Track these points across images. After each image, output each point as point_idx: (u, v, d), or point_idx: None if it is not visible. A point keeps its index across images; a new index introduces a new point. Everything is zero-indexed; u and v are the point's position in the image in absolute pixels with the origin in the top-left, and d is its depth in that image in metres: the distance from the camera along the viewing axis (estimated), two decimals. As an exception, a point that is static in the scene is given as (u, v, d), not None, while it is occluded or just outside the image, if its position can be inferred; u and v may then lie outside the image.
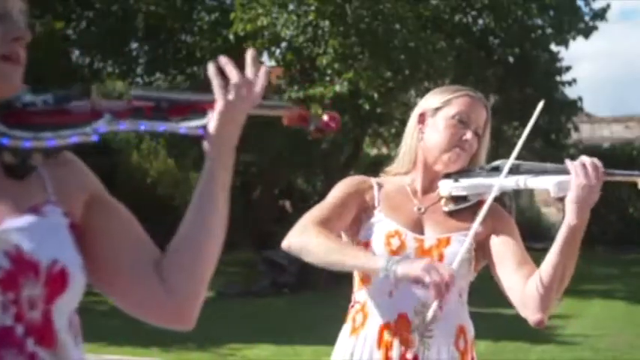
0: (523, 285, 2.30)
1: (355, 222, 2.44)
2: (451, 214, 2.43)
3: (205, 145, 1.41)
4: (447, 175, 2.46)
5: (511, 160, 2.38)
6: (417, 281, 2.13)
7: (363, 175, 2.54)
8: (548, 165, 2.40)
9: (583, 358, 8.47)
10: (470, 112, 2.45)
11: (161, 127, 1.35)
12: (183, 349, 8.10)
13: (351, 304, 2.44)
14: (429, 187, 2.48)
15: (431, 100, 2.53)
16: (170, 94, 1.40)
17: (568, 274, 2.25)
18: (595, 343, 9.12)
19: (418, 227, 2.41)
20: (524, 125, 16.23)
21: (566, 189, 2.24)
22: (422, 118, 2.51)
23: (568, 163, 2.25)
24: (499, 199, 2.45)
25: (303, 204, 19.78)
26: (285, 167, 15.28)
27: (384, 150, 18.41)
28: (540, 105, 2.47)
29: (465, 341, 2.39)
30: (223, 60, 1.42)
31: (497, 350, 8.40)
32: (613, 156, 18.60)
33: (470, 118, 2.45)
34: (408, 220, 2.41)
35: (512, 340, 8.92)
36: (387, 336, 2.32)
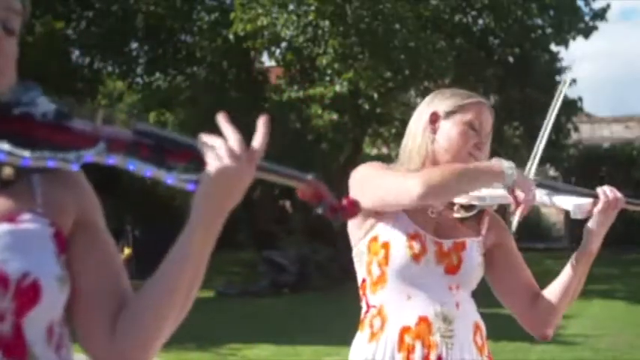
0: (531, 303, 2.44)
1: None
2: (460, 220, 2.44)
3: (193, 203, 1.28)
4: None
5: (533, 170, 2.46)
6: (517, 195, 2.23)
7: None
8: (561, 184, 2.51)
9: (583, 358, 8.47)
10: (482, 120, 2.46)
11: (148, 172, 1.25)
12: (183, 349, 8.11)
13: (364, 309, 2.41)
14: None
15: (444, 102, 2.51)
16: (175, 136, 1.29)
17: (577, 294, 2.42)
18: (595, 343, 9.13)
19: (434, 230, 2.40)
20: (524, 125, 16.16)
21: (583, 212, 2.37)
22: (434, 118, 2.49)
23: (600, 191, 2.38)
24: (498, 210, 2.49)
25: (303, 204, 19.75)
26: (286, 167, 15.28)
27: (384, 150, 18.41)
28: (567, 83, 2.53)
29: (481, 337, 2.41)
30: (222, 118, 1.28)
31: (497, 350, 8.38)
32: (613, 156, 18.62)
33: (482, 125, 2.46)
34: (426, 223, 2.40)
35: (512, 340, 8.92)
36: (407, 339, 2.32)
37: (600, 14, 15.71)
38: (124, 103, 18.37)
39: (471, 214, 2.44)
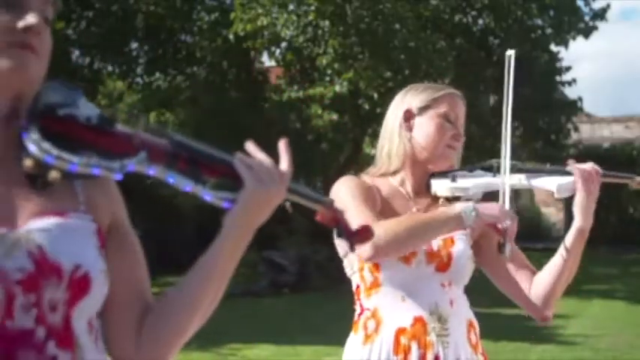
0: (527, 284, 2.39)
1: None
2: None
3: (226, 219, 1.34)
4: (437, 175, 2.45)
5: (508, 158, 2.39)
6: (493, 225, 2.25)
7: (355, 176, 2.47)
8: (539, 166, 2.48)
9: (583, 358, 8.47)
10: (457, 111, 2.47)
11: (187, 186, 1.30)
12: (184, 348, 8.06)
13: (358, 312, 2.40)
14: (419, 188, 2.46)
15: (416, 97, 2.49)
16: (210, 150, 1.35)
17: (573, 274, 2.37)
18: (595, 343, 9.12)
19: None
20: (524, 125, 16.18)
21: (567, 190, 2.35)
22: (408, 115, 2.47)
23: (573, 168, 2.35)
24: (489, 198, 2.45)
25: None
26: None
27: (384, 150, 18.41)
28: (512, 54, 2.52)
29: (475, 335, 2.41)
30: (252, 147, 1.38)
31: (497, 350, 8.39)
32: (613, 156, 18.62)
33: (457, 117, 2.47)
34: None
35: (512, 340, 8.93)
36: (403, 340, 2.31)
37: (600, 14, 15.70)
38: (124, 103, 18.37)
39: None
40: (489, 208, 2.24)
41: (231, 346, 8.62)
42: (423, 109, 2.46)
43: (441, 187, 2.44)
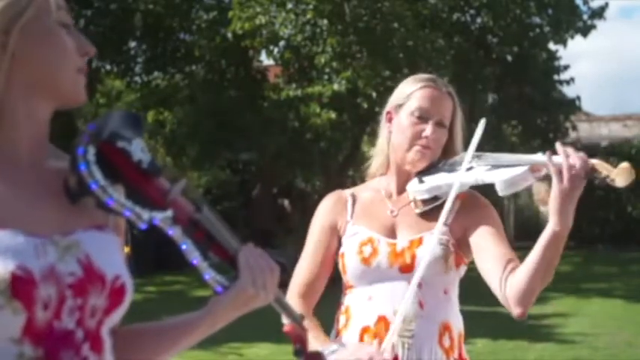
0: (503, 279, 2.21)
1: (339, 242, 2.46)
2: (423, 214, 2.38)
3: (211, 301, 1.42)
4: (418, 174, 2.40)
5: (469, 154, 2.28)
6: None
7: (336, 192, 2.51)
8: (511, 156, 2.27)
9: (581, 357, 8.48)
10: (430, 105, 2.38)
11: (195, 259, 1.35)
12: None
13: (340, 306, 2.45)
14: (403, 188, 2.43)
15: (396, 95, 2.47)
16: (227, 235, 1.41)
17: (551, 272, 2.15)
18: (593, 342, 9.13)
19: (391, 231, 2.38)
20: (522, 124, 16.23)
21: (515, 184, 2.16)
22: (389, 117, 2.47)
23: (547, 157, 2.08)
24: (479, 189, 2.37)
25: (302, 203, 19.77)
26: (284, 166, 15.28)
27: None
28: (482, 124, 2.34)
29: (450, 338, 2.34)
30: (259, 250, 1.44)
31: (496, 349, 8.40)
32: (611, 154, 18.60)
33: (430, 111, 2.37)
34: (382, 225, 2.39)
35: (510, 338, 8.93)
36: (367, 338, 2.32)
37: (599, 13, 15.70)
38: (122, 101, 18.36)
39: (431, 206, 2.36)
40: (345, 356, 2.22)
41: (230, 345, 8.62)
42: (399, 107, 2.44)
43: (410, 188, 2.40)
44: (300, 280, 2.46)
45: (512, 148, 14.94)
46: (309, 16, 13.35)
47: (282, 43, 14.13)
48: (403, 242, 2.35)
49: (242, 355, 8.51)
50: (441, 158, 2.42)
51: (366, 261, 2.33)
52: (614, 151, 19.17)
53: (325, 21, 13.32)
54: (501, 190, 2.18)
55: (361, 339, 2.32)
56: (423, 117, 2.38)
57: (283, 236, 15.03)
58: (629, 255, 17.75)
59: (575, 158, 2.01)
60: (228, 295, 1.40)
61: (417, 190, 2.37)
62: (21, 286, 1.21)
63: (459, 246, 2.35)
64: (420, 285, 2.28)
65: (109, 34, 14.36)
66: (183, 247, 1.35)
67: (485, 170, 2.25)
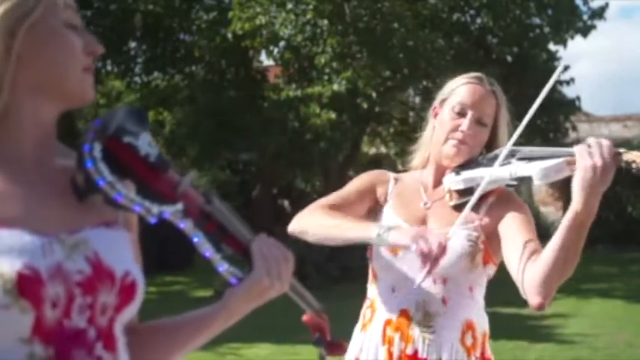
0: (522, 267, 2.17)
1: (370, 214, 2.45)
2: (457, 207, 2.37)
3: (226, 293, 1.42)
4: (455, 168, 2.41)
5: (507, 149, 2.27)
6: (405, 249, 2.18)
7: (382, 170, 2.54)
8: (546, 149, 2.26)
9: (581, 357, 8.47)
10: (470, 101, 2.39)
11: (207, 252, 1.34)
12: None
13: (365, 299, 2.45)
14: (440, 181, 2.44)
15: (442, 91, 2.48)
16: (239, 225, 1.39)
17: (570, 264, 2.08)
18: (593, 342, 9.12)
19: (422, 223, 2.38)
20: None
21: (550, 175, 2.13)
22: (435, 112, 2.48)
23: (576, 147, 2.08)
24: (514, 187, 2.36)
25: (302, 203, 19.75)
26: (284, 166, 15.29)
27: (383, 149, 18.41)
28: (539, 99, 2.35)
29: (473, 337, 2.35)
30: (272, 240, 1.43)
31: (496, 349, 8.36)
32: (611, 155, 18.60)
33: (469, 106, 2.38)
34: (413, 216, 2.40)
35: (511, 338, 8.92)
36: (389, 331, 2.33)
37: (599, 13, 15.69)
38: (122, 102, 18.37)
39: (465, 199, 2.34)
40: (399, 235, 2.18)
41: (230, 345, 8.61)
42: (443, 102, 2.45)
43: (445, 181, 2.42)
44: (327, 200, 2.40)
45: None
46: (309, 16, 13.35)
47: (282, 43, 14.15)
48: None
49: (241, 356, 8.51)
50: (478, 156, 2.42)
51: (392, 250, 2.33)
52: (614, 152, 19.16)
53: (325, 21, 13.33)
54: (537, 180, 2.14)
55: (384, 332, 2.33)
56: (462, 112, 2.39)
57: (283, 237, 15.02)
58: (629, 255, 17.74)
59: (605, 146, 2.05)
60: (242, 286, 1.38)
61: (452, 180, 2.38)
62: (28, 285, 1.20)
63: (489, 243, 2.33)
64: (444, 281, 2.29)
65: (109, 35, 14.35)
66: (195, 239, 1.34)
67: (518, 165, 2.23)
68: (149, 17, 15.02)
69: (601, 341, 9.19)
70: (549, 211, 22.67)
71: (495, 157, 2.30)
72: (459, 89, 2.42)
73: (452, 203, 2.40)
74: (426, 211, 2.42)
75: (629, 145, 20.30)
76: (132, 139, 1.31)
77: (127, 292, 1.32)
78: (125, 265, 1.32)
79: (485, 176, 2.26)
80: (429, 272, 2.12)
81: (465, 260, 2.31)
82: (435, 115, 2.47)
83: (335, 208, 2.35)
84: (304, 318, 1.56)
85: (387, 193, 2.44)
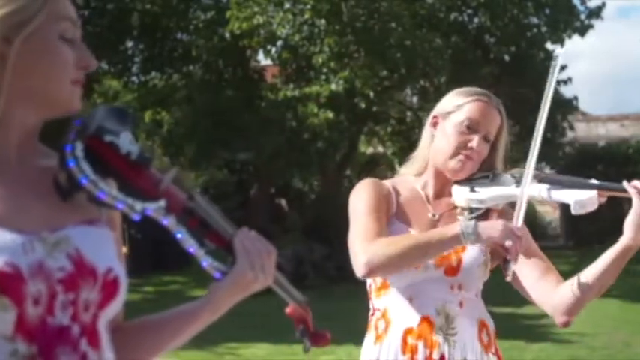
0: (553, 287, 2.33)
1: None
2: None
3: (211, 287, 1.42)
4: (461, 182, 2.44)
5: (531, 169, 2.33)
6: (497, 244, 2.19)
7: (376, 179, 2.50)
8: (565, 177, 2.41)
9: (578, 356, 8.48)
10: (480, 118, 2.41)
11: (191, 247, 1.36)
12: (179, 347, 8.10)
13: (371, 312, 2.43)
14: (441, 192, 2.46)
15: (446, 103, 2.49)
16: (222, 221, 1.41)
17: (604, 288, 2.31)
18: (590, 342, 9.14)
19: None
20: (519, 124, 16.11)
21: (585, 206, 2.29)
22: (435, 121, 2.48)
23: (626, 184, 2.29)
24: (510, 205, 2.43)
25: (299, 203, 19.77)
26: (282, 166, 15.29)
27: (380, 149, 18.41)
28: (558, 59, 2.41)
29: (487, 335, 2.43)
30: (253, 233, 1.44)
31: (493, 348, 8.39)
32: (608, 154, 18.65)
33: (479, 124, 2.41)
34: (425, 227, 2.40)
35: (508, 338, 8.92)
36: (410, 340, 2.33)
37: (596, 12, 15.71)
38: (119, 101, 18.36)
39: (474, 215, 2.40)
40: (490, 228, 2.19)
41: (228, 345, 8.62)
42: (447, 115, 2.45)
43: (459, 195, 2.43)
44: (368, 233, 2.30)
45: (509, 148, 14.93)
46: (306, 16, 13.35)
47: (279, 42, 14.15)
48: None
49: (239, 355, 8.51)
50: (477, 172, 2.46)
51: None
52: (612, 151, 19.19)
53: (323, 21, 13.33)
54: (575, 210, 2.30)
55: (404, 341, 2.33)
56: (472, 128, 2.40)
57: (280, 236, 15.03)
58: (626, 255, 17.73)
59: None
60: (227, 280, 1.40)
61: (471, 197, 2.40)
62: (9, 283, 1.21)
63: (491, 254, 2.41)
64: (460, 286, 2.34)
65: (107, 34, 14.35)
66: (179, 236, 1.35)
67: (547, 188, 2.34)
68: (146, 17, 15.01)
69: (598, 340, 9.20)
70: (546, 210, 22.68)
71: (510, 178, 2.40)
72: (469, 105, 2.43)
73: (461, 218, 2.41)
74: (435, 222, 2.43)
75: (627, 144, 20.33)
76: (113, 138, 1.32)
77: (109, 289, 1.32)
78: (107, 262, 1.33)
79: (524, 195, 2.32)
80: (515, 261, 2.21)
81: (481, 269, 2.38)
82: (435, 125, 2.48)
83: (379, 234, 2.30)
84: (288, 310, 1.58)
85: (393, 206, 2.42)
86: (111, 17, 14.72)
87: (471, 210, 2.41)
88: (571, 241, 17.06)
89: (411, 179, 2.52)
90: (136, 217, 1.33)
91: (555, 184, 2.35)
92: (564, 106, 16.43)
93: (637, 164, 18.61)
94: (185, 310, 1.45)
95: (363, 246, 2.27)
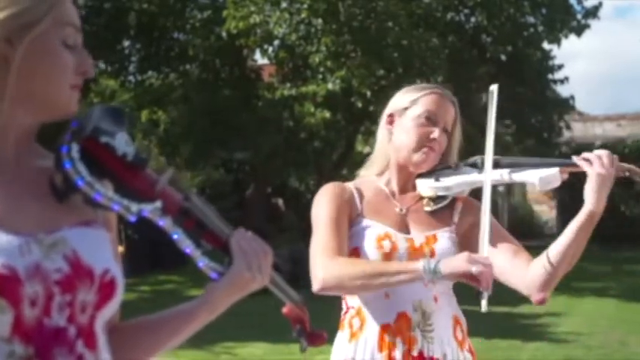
0: (525, 266, 2.34)
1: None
2: (432, 212, 2.45)
3: (208, 288, 1.43)
4: (423, 175, 2.48)
5: (490, 155, 2.38)
6: (465, 276, 2.17)
7: (338, 183, 2.51)
8: (525, 159, 2.48)
9: (575, 356, 8.49)
10: (437, 110, 2.46)
11: (187, 248, 1.36)
12: (176, 347, 8.09)
13: (344, 310, 2.43)
14: (405, 187, 2.49)
15: (399, 100, 2.53)
16: (218, 221, 1.41)
17: (575, 259, 2.33)
18: (587, 341, 9.15)
19: (404, 227, 2.42)
20: (516, 123, 16.16)
21: (550, 182, 2.33)
22: (390, 119, 2.52)
23: (575, 158, 2.31)
24: (474, 194, 2.48)
25: (296, 202, 19.76)
26: (278, 165, 15.28)
27: (377, 148, 18.38)
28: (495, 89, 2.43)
29: (461, 331, 2.41)
30: (249, 234, 1.44)
31: (490, 347, 8.41)
32: (605, 154, 18.62)
33: (437, 115, 2.45)
34: (394, 221, 2.42)
35: (504, 337, 8.94)
36: (387, 337, 2.32)
37: (593, 12, 15.73)
38: (116, 101, 18.35)
39: (440, 205, 2.45)
40: (453, 261, 2.19)
41: (224, 345, 8.61)
42: (403, 111, 2.49)
43: (423, 186, 2.47)
44: (328, 247, 2.32)
45: (505, 147, 14.97)
46: (303, 15, 13.35)
47: (276, 42, 14.14)
48: (420, 238, 2.39)
49: (236, 355, 8.51)
50: (438, 164, 2.49)
51: (387, 256, 2.33)
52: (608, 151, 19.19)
53: (320, 20, 13.33)
54: (540, 187, 2.38)
55: (382, 338, 2.33)
56: (431, 119, 2.45)
57: (276, 235, 15.02)
58: (622, 254, 17.79)
59: (602, 155, 2.28)
60: (224, 281, 1.40)
61: (436, 186, 2.44)
62: (5, 284, 1.21)
63: (460, 245, 2.42)
64: (434, 280, 2.31)
65: (103, 33, 14.33)
66: (175, 236, 1.35)
67: (509, 172, 2.39)
68: (143, 16, 14.99)
69: (594, 340, 9.22)
70: (543, 209, 22.72)
71: (475, 164, 2.44)
72: (424, 98, 2.47)
73: (428, 209, 2.46)
74: (403, 217, 2.45)
75: (623, 144, 20.36)
76: (109, 139, 1.32)
77: (106, 290, 1.33)
78: (104, 263, 1.33)
79: (487, 181, 2.36)
80: (488, 290, 2.18)
81: None
82: (391, 123, 2.51)
83: (339, 250, 2.32)
84: (284, 310, 1.58)
85: (357, 207, 2.43)
86: (108, 16, 14.70)
87: (438, 198, 2.45)
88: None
89: (373, 179, 2.53)
90: (132, 219, 1.33)
91: (516, 166, 2.40)
92: (561, 106, 16.46)
93: (634, 164, 18.57)
94: (182, 310, 1.45)
95: (323, 261, 2.29)
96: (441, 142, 2.45)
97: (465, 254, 2.19)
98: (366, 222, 2.40)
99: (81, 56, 1.38)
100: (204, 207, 1.40)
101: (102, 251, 1.35)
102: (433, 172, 2.47)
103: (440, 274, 2.18)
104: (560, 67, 16.42)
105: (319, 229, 2.37)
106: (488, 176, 2.36)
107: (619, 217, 19.55)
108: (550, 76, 16.40)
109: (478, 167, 2.42)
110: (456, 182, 2.43)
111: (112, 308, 1.36)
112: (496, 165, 2.39)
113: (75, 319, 1.28)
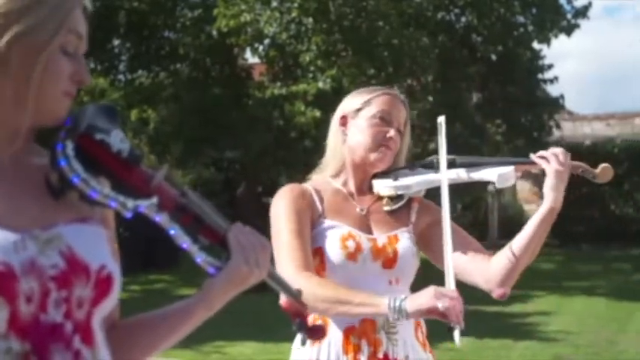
0: (486, 262, 2.37)
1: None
2: (391, 212, 2.48)
3: (205, 284, 1.42)
4: (380, 175, 2.49)
5: (443, 154, 2.40)
6: (432, 312, 2.12)
7: (297, 185, 2.50)
8: (482, 158, 2.54)
9: (564, 355, 8.52)
10: (391, 110, 2.48)
11: (184, 243, 1.35)
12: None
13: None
14: (362, 187, 2.50)
15: (351, 101, 2.57)
16: (215, 216, 1.41)
17: (535, 254, 2.36)
18: (576, 340, 9.18)
19: (365, 228, 2.43)
20: (507, 123, 16.23)
21: (508, 180, 2.39)
22: (343, 121, 2.55)
23: (532, 156, 2.37)
24: (431, 197, 2.52)
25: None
26: (269, 164, 15.26)
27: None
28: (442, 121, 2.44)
29: (422, 332, 2.42)
30: (248, 228, 1.45)
31: (481, 347, 8.43)
32: (594, 153, 18.70)
33: (391, 115, 2.48)
34: (355, 221, 2.43)
35: (495, 337, 8.97)
36: (353, 339, 2.32)
37: (582, 12, 15.76)
38: (106, 99, 18.30)
39: (399, 204, 2.47)
40: (420, 300, 2.13)
41: (214, 344, 8.60)
42: (356, 112, 2.51)
43: (382, 186, 2.48)
44: (295, 260, 2.28)
45: (496, 147, 14.99)
46: (294, 14, 13.33)
47: (267, 41, 14.11)
48: (382, 238, 2.40)
49: (225, 354, 8.50)
50: (392, 165, 2.52)
51: (351, 256, 2.33)
52: (597, 150, 19.28)
53: (310, 19, 13.32)
54: (499, 184, 2.42)
55: (347, 340, 2.31)
56: (385, 119, 2.47)
57: (267, 235, 15.01)
58: (612, 253, 17.85)
59: (558, 152, 2.35)
60: (222, 275, 1.40)
61: (395, 185, 2.46)
62: (1, 281, 1.21)
63: (418, 243, 2.46)
64: (397, 280, 2.36)
65: (93, 32, 14.22)
66: (172, 232, 1.35)
67: (466, 170, 2.44)
68: (133, 15, 14.95)
69: (583, 339, 9.25)
70: (532, 209, 22.74)
71: (431, 164, 2.47)
72: (377, 99, 2.50)
73: (387, 209, 2.47)
74: (364, 217, 2.46)
75: (612, 143, 20.43)
76: (104, 136, 1.33)
77: (102, 286, 1.33)
78: (101, 259, 1.33)
79: (444, 180, 2.37)
80: (460, 324, 2.12)
81: (414, 259, 2.43)
82: (344, 124, 2.52)
83: (306, 261, 2.29)
84: (283, 304, 1.57)
85: (318, 208, 2.42)
86: (98, 15, 14.63)
87: (397, 198, 2.47)
88: (557, 240, 17.11)
89: (329, 180, 2.53)
90: (128, 215, 1.34)
91: (472, 165, 2.45)
92: (551, 106, 16.48)
93: (622, 163, 18.70)
94: (180, 308, 1.45)
95: (294, 275, 2.22)
96: (397, 141, 2.48)
97: (430, 289, 2.13)
98: (328, 222, 2.39)
99: (79, 65, 1.39)
100: (200, 202, 1.40)
101: (98, 247, 1.35)
102: (390, 172, 2.49)
103: (405, 313, 2.13)
104: (550, 66, 16.44)
105: (282, 235, 2.33)
106: (445, 175, 2.38)
107: (609, 216, 19.60)
108: (540, 76, 16.42)
109: (434, 167, 2.46)
110: (415, 181, 2.46)
111: (109, 304, 1.36)
112: (452, 165, 2.43)
113: (71, 315, 1.29)
